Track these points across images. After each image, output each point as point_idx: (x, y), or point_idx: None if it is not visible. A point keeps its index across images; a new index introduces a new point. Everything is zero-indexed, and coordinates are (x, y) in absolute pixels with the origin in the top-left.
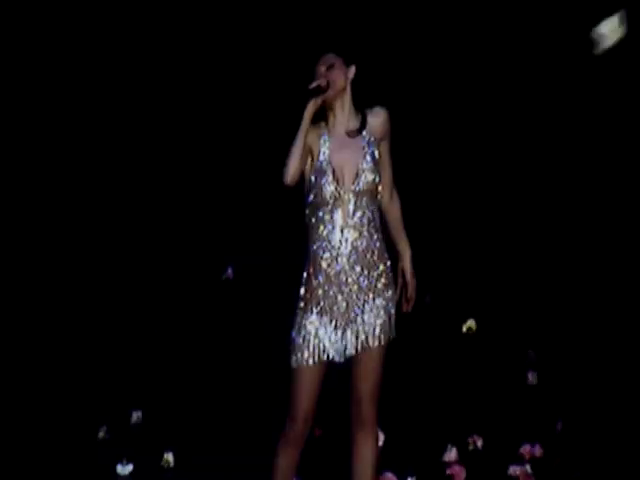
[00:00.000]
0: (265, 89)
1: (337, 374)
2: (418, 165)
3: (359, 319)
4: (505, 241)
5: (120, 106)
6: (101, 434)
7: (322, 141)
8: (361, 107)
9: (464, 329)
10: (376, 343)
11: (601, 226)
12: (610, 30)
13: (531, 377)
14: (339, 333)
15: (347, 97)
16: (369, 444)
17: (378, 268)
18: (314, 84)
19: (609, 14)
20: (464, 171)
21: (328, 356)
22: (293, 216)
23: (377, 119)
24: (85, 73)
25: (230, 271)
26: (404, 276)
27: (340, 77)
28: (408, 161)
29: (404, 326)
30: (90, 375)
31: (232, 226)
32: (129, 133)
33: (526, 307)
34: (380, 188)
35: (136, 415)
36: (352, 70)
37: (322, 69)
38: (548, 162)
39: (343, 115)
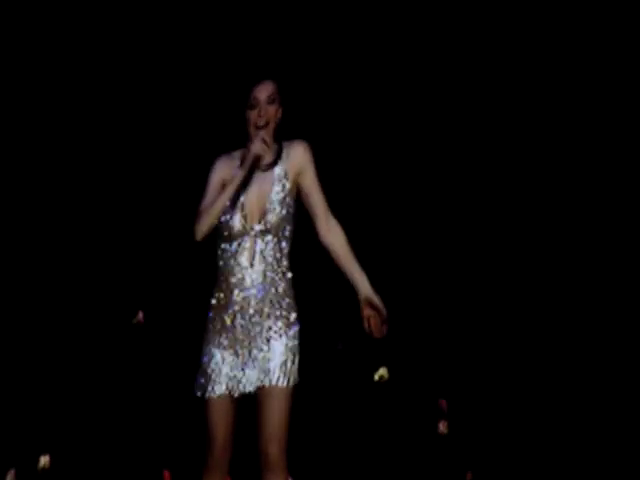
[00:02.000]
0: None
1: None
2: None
3: (260, 356)
4: (417, 290)
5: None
6: (8, 479)
7: (233, 172)
8: (280, 139)
9: (376, 377)
10: (276, 383)
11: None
12: None
13: (442, 426)
14: (239, 369)
15: (269, 133)
16: None
17: (284, 306)
18: (253, 155)
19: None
20: (388, 216)
21: (231, 391)
22: (202, 257)
23: (294, 152)
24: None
25: (141, 315)
26: (370, 304)
27: (276, 115)
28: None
29: (316, 373)
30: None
31: (142, 270)
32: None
33: (438, 356)
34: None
35: (44, 459)
36: (280, 111)
37: (262, 97)
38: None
39: None
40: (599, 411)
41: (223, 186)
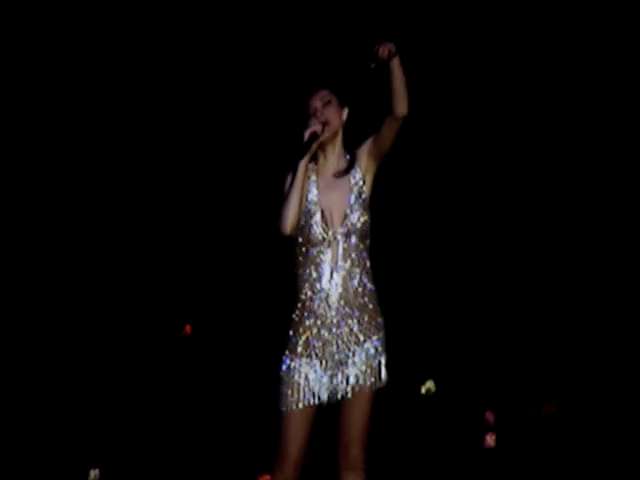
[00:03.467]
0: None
1: (324, 417)
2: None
3: (350, 362)
4: (463, 302)
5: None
6: None
7: (310, 182)
8: (351, 148)
9: (423, 390)
10: (366, 387)
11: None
12: None
13: (489, 439)
14: (329, 376)
15: (339, 138)
16: None
17: (368, 311)
18: (309, 132)
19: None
20: (423, 225)
21: (318, 399)
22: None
23: (360, 151)
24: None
25: (188, 328)
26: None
27: (336, 116)
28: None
29: None
30: (48, 433)
31: (189, 283)
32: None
33: (485, 369)
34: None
35: (94, 473)
36: (345, 112)
37: (318, 104)
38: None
39: (333, 156)
40: None
41: None
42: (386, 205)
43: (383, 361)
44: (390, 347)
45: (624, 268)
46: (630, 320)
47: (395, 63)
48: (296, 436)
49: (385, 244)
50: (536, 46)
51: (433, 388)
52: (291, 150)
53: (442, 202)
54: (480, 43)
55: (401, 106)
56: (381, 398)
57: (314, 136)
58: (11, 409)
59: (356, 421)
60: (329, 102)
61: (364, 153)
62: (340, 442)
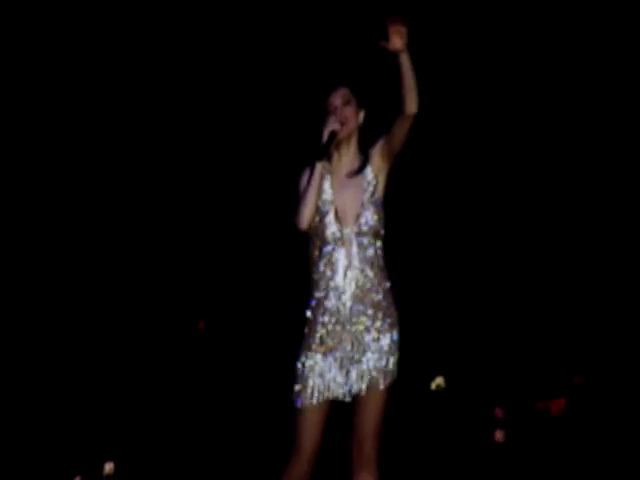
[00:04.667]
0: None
1: (338, 414)
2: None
3: (364, 359)
4: (474, 299)
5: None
6: None
7: (325, 181)
8: (365, 148)
9: (433, 386)
10: (381, 383)
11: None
12: None
13: (499, 435)
14: (344, 373)
15: (354, 139)
16: None
17: (382, 308)
18: (328, 131)
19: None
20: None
21: (333, 395)
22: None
23: (374, 150)
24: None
25: (201, 324)
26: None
27: (354, 116)
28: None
29: None
30: (64, 426)
31: (204, 280)
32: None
33: (494, 365)
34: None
35: (108, 466)
36: (362, 113)
37: (338, 102)
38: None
39: (348, 156)
40: None
41: None
42: (400, 203)
43: (396, 358)
44: (402, 343)
45: (629, 266)
46: (636, 317)
47: (405, 59)
48: (310, 431)
49: (399, 242)
50: (540, 48)
51: (443, 384)
52: (308, 147)
53: (456, 201)
54: (487, 43)
55: (411, 105)
56: (392, 394)
57: (332, 134)
58: (26, 403)
59: (370, 417)
60: (349, 102)
61: (377, 153)
62: (354, 438)
